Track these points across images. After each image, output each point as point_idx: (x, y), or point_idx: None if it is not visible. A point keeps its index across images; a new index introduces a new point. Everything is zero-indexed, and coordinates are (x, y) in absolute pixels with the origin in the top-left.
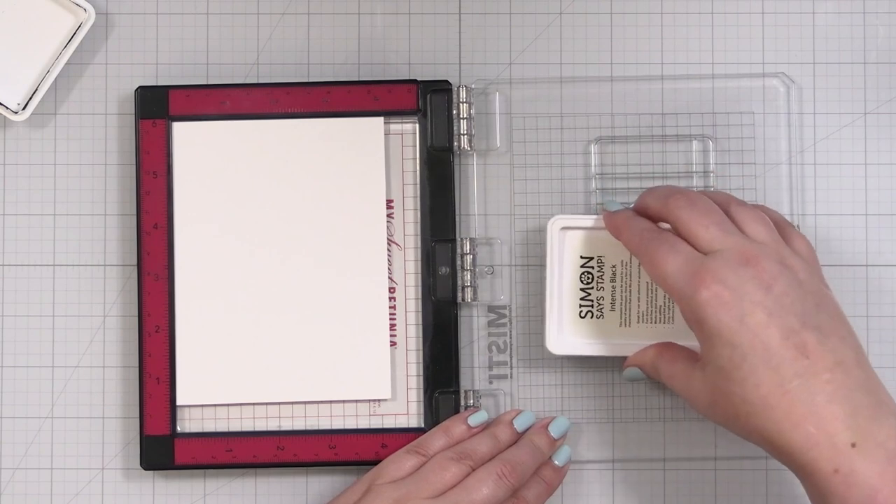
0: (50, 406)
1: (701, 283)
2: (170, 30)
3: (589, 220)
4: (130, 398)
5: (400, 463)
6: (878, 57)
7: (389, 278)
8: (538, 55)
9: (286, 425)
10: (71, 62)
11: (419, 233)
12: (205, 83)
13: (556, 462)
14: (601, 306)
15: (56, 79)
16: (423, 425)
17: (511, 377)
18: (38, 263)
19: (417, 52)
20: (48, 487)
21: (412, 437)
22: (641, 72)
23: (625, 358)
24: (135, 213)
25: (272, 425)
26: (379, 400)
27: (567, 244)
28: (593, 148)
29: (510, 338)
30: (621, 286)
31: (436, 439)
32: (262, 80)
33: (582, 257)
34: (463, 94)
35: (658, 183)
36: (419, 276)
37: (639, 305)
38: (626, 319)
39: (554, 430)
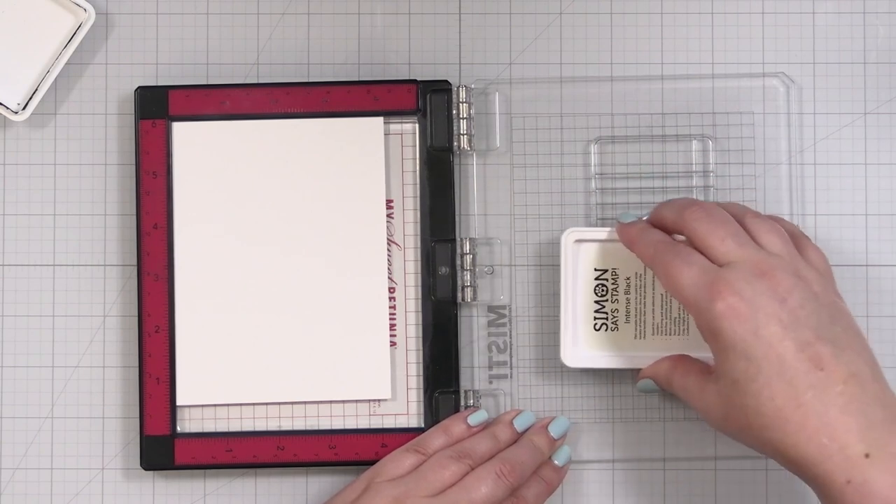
0: (50, 406)
1: (716, 294)
2: (170, 30)
3: (603, 233)
4: (130, 398)
5: (399, 461)
6: (878, 57)
7: (389, 278)
8: (538, 55)
9: (286, 425)
10: (71, 62)
11: (419, 233)
12: (205, 83)
13: (556, 462)
14: (616, 318)
15: (56, 79)
16: (423, 425)
17: (511, 377)
18: (38, 263)
19: (417, 52)
20: (48, 487)
21: (412, 437)
22: (641, 72)
23: (639, 370)
24: (135, 213)
25: (272, 425)
26: (379, 400)
27: (581, 256)
28: (593, 148)
29: (510, 338)
30: (636, 298)
31: (435, 438)
32: (262, 80)
33: (596, 269)
34: (463, 94)
35: (658, 182)
36: (419, 276)
37: (653, 317)
38: (640, 331)
39: (554, 430)
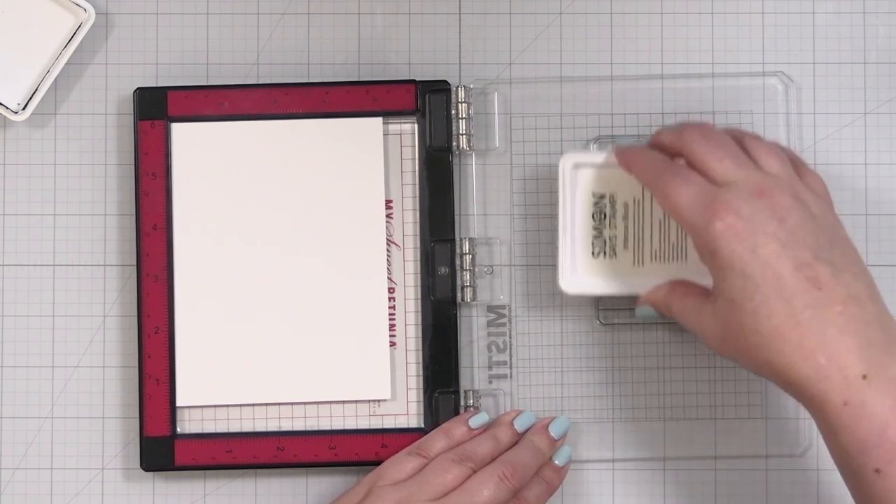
0: (50, 406)
1: (714, 213)
2: (170, 30)
3: (601, 157)
4: (130, 398)
5: (401, 465)
6: (878, 57)
7: (389, 278)
8: (538, 55)
9: (286, 426)
10: (71, 62)
11: (418, 233)
12: (204, 83)
13: (557, 462)
14: (614, 245)
15: (56, 79)
16: (422, 425)
17: (511, 377)
18: (38, 263)
19: (417, 52)
20: (48, 487)
21: (412, 438)
22: (641, 72)
23: (637, 297)
24: (134, 213)
25: (272, 426)
26: (379, 400)
27: (579, 181)
28: (592, 147)
29: (510, 337)
30: (634, 224)
31: (437, 441)
32: (262, 81)
33: (594, 194)
34: (461, 94)
35: None
36: (418, 276)
37: (652, 243)
38: (639, 258)
39: (554, 431)
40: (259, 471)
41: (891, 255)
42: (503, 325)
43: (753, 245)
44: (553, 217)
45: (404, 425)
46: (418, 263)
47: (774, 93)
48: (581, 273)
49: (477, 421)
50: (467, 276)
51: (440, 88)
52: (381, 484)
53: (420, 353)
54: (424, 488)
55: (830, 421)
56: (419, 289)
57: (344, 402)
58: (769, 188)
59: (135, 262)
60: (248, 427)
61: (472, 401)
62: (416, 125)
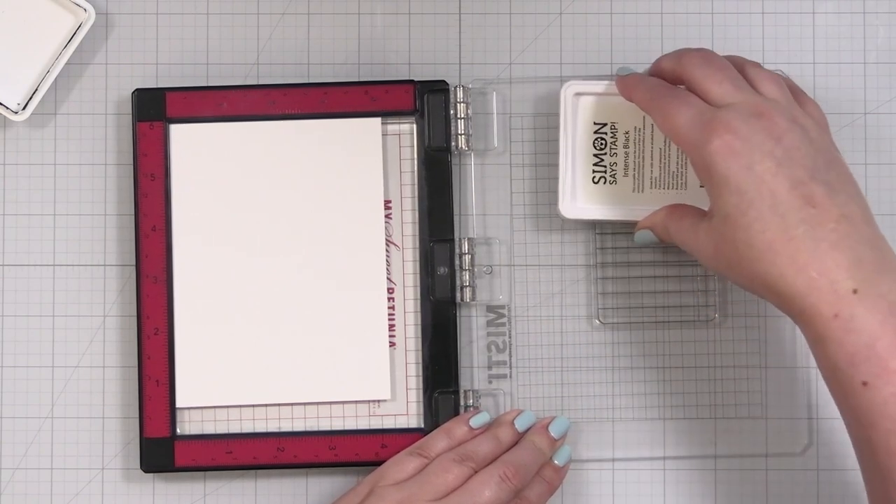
0: (50, 406)
1: (712, 132)
2: (169, 30)
3: (602, 86)
4: (130, 398)
5: (402, 465)
6: (878, 57)
7: (388, 279)
8: (538, 55)
9: (286, 426)
10: (71, 62)
11: (417, 233)
12: (204, 84)
13: (557, 462)
14: (614, 172)
15: (56, 79)
16: (422, 425)
17: (510, 377)
18: (38, 263)
19: (417, 52)
20: (48, 487)
21: (412, 438)
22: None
23: (636, 222)
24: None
25: (272, 427)
26: (378, 400)
27: (580, 110)
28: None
29: (509, 337)
30: (634, 152)
31: (437, 441)
32: (262, 81)
33: (595, 123)
34: (460, 93)
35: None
36: (418, 276)
37: (651, 171)
38: (638, 185)
39: (554, 430)
40: (259, 471)
41: None
42: (503, 325)
43: (750, 162)
44: (552, 217)
45: (404, 425)
46: (417, 263)
47: None
48: (581, 199)
49: (478, 421)
50: (467, 276)
51: (439, 88)
52: (383, 484)
53: (420, 353)
54: (426, 488)
55: (820, 333)
56: (418, 289)
57: (344, 402)
58: (767, 110)
59: (135, 262)
60: (247, 428)
61: (471, 401)
62: (414, 125)
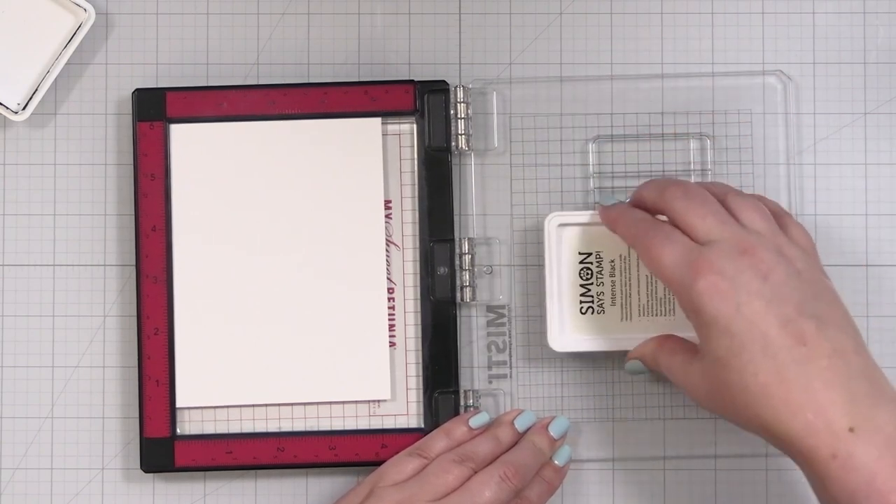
0: (50, 406)
1: (698, 272)
2: (169, 30)
3: (585, 216)
4: (130, 398)
5: (402, 465)
6: (878, 57)
7: (388, 279)
8: (538, 55)
9: (286, 426)
10: (71, 62)
11: (417, 233)
12: (204, 84)
13: (557, 462)
14: (602, 301)
15: (56, 79)
16: (422, 425)
17: (511, 377)
18: (38, 263)
19: (417, 53)
20: (48, 487)
21: (412, 438)
22: (641, 71)
23: (627, 352)
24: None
25: (272, 427)
26: (378, 400)
27: (565, 241)
28: (591, 147)
29: (509, 337)
30: (621, 280)
31: (437, 441)
32: (262, 81)
33: (580, 253)
34: (460, 93)
35: None
36: (418, 276)
37: (639, 299)
38: (627, 313)
39: (554, 430)
40: (259, 471)
41: (891, 256)
42: (503, 325)
43: (737, 304)
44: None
45: (404, 425)
46: (418, 263)
47: (774, 92)
48: (569, 330)
49: (477, 421)
50: (467, 276)
51: (439, 88)
52: (383, 485)
53: (420, 353)
54: (426, 489)
55: (820, 474)
56: (419, 289)
57: (344, 402)
58: (752, 245)
59: (135, 262)
60: (248, 428)
61: (472, 401)
62: (414, 125)
